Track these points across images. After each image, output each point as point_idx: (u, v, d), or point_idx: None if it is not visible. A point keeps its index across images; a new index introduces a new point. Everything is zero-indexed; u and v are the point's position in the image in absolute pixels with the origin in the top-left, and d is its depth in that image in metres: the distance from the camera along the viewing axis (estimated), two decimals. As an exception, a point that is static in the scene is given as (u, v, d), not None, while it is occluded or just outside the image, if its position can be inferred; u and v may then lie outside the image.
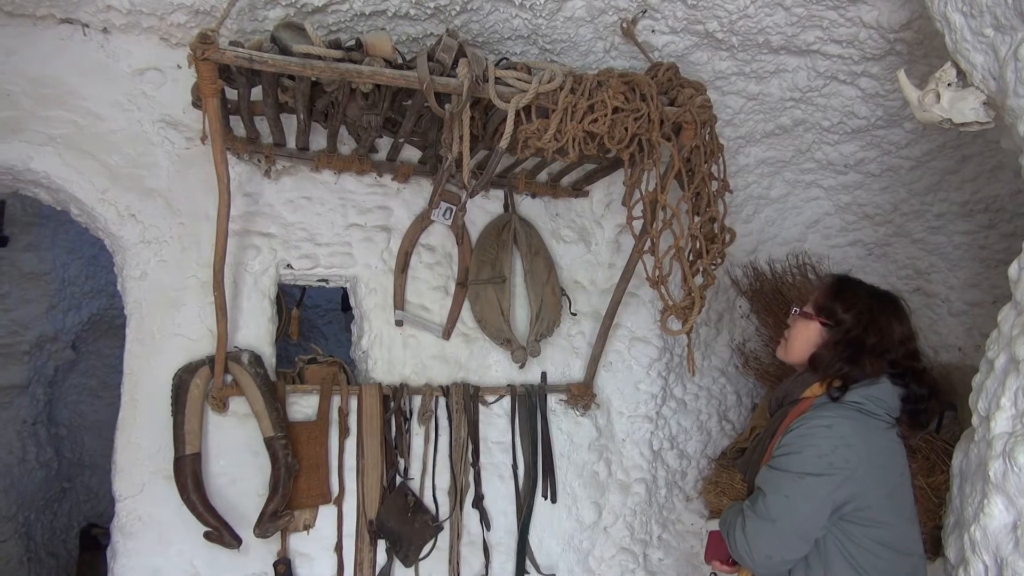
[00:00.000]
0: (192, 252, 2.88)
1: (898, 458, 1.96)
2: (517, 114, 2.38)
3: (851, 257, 3.84)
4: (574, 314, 3.46)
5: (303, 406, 3.01)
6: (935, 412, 2.10)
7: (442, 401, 3.19)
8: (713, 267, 2.62)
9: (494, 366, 3.35)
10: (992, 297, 3.53)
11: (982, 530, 1.80)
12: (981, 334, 3.53)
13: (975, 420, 2.01)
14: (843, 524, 1.85)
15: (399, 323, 3.20)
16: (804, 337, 2.07)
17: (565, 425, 3.43)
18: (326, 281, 3.21)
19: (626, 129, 2.47)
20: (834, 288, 2.08)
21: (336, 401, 3.03)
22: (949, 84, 2.02)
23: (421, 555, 3.04)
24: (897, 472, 1.94)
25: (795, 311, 2.12)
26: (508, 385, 3.33)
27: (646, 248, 2.67)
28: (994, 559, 1.77)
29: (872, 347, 1.96)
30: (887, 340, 1.98)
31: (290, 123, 2.86)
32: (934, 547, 2.76)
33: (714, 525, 2.20)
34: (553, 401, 3.41)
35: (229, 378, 2.83)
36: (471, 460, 3.21)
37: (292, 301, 4.18)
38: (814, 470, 1.82)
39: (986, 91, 1.95)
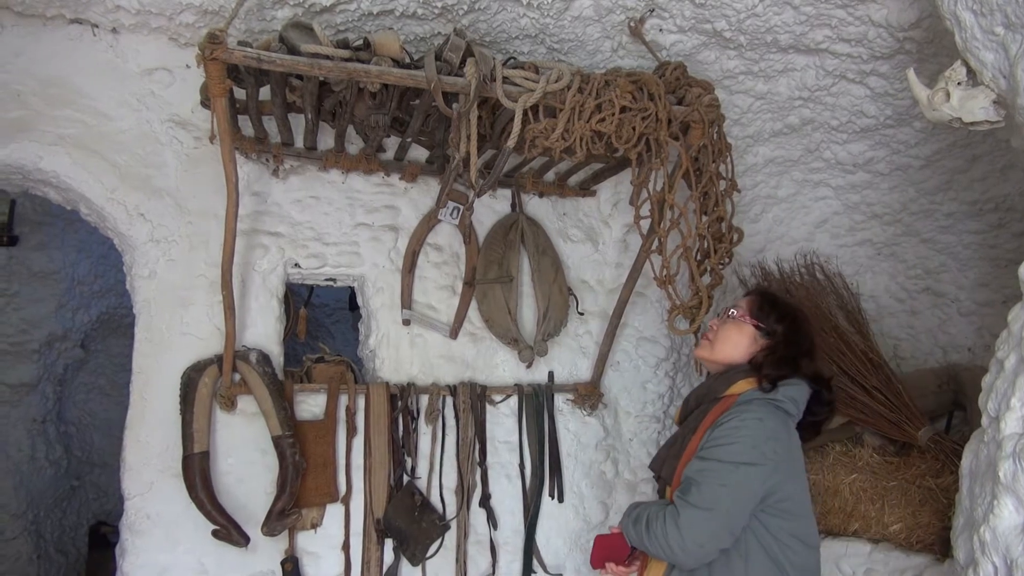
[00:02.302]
0: (200, 251, 2.89)
1: (801, 455, 2.09)
2: (525, 113, 2.38)
3: (859, 257, 3.83)
4: (581, 314, 3.45)
5: (311, 405, 3.02)
6: (829, 421, 2.23)
7: (449, 400, 3.19)
8: (721, 267, 2.62)
9: (501, 365, 3.35)
10: (1002, 297, 3.52)
11: (992, 531, 1.79)
12: (991, 334, 3.51)
13: (985, 421, 2.00)
14: (762, 516, 1.92)
15: (406, 322, 3.20)
16: (736, 339, 2.14)
17: (572, 425, 3.43)
18: (334, 280, 3.21)
19: (634, 128, 2.46)
20: (766, 297, 2.21)
21: (343, 400, 3.04)
22: (959, 83, 2.01)
23: (428, 554, 3.05)
24: (804, 468, 2.08)
25: (732, 313, 2.18)
26: (515, 384, 3.33)
27: (654, 247, 2.67)
28: (1004, 560, 1.76)
29: (806, 352, 2.11)
30: (814, 347, 2.15)
31: (298, 123, 2.87)
32: (943, 548, 2.74)
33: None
34: (560, 401, 3.40)
35: (237, 377, 2.84)
36: (478, 459, 3.21)
37: (300, 300, 4.18)
38: (748, 459, 1.89)
39: (996, 90, 1.94)
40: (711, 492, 1.88)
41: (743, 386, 2.07)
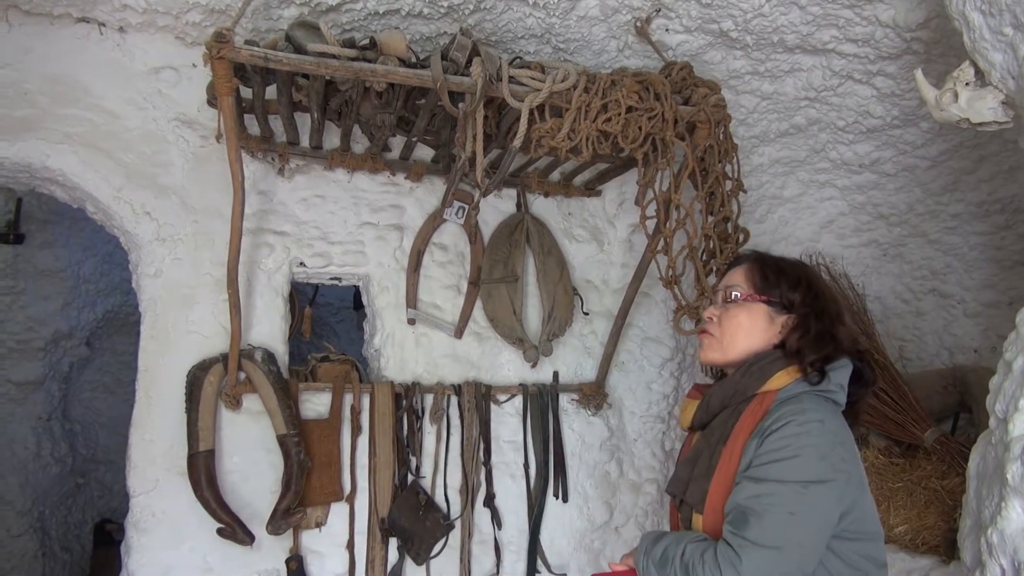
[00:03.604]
0: (206, 250, 2.90)
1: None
2: (531, 113, 2.38)
3: (865, 257, 3.82)
4: (586, 313, 3.45)
5: (315, 404, 3.02)
6: (866, 402, 1.84)
7: (454, 400, 3.19)
8: (726, 267, 2.62)
9: (506, 365, 3.35)
10: (1008, 298, 3.51)
11: (999, 533, 1.78)
12: (997, 335, 3.51)
13: (992, 422, 1.99)
14: (835, 543, 1.55)
15: (411, 322, 3.20)
16: (749, 324, 1.73)
17: (577, 425, 3.42)
18: (339, 279, 3.22)
19: (640, 128, 2.46)
20: (768, 262, 1.81)
21: (348, 399, 3.04)
22: (967, 83, 2.01)
23: (432, 553, 3.05)
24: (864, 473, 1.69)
25: (734, 295, 1.77)
26: (520, 384, 3.33)
27: (659, 248, 2.66)
28: (1011, 562, 1.76)
29: (837, 315, 1.73)
30: (841, 307, 1.78)
31: (304, 122, 2.87)
32: (949, 550, 2.74)
33: (621, 566, 1.77)
34: (565, 400, 3.40)
35: (242, 375, 2.84)
36: (483, 459, 3.21)
37: (305, 299, 4.19)
38: (818, 476, 1.50)
39: (1004, 90, 1.93)
40: (777, 524, 1.47)
41: (784, 378, 1.66)
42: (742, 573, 1.44)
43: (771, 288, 1.74)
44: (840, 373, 1.66)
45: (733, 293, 1.77)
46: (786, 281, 1.74)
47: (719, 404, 1.73)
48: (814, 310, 1.71)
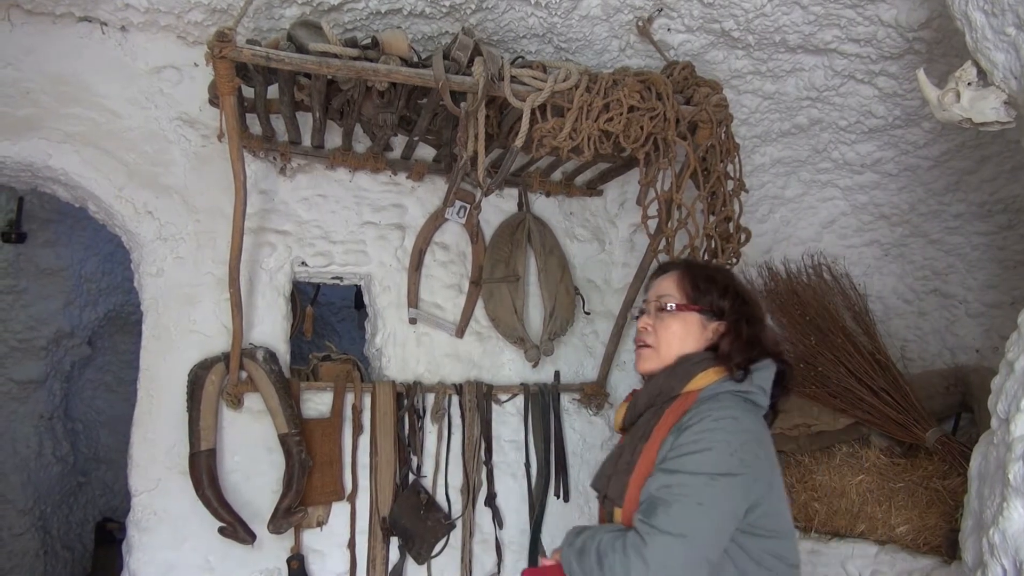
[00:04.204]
0: (208, 249, 2.90)
1: (777, 459, 1.76)
2: (532, 113, 2.38)
3: (867, 257, 3.82)
4: (588, 313, 3.45)
5: (317, 403, 3.02)
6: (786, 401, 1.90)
7: (455, 399, 3.19)
8: (728, 267, 2.62)
9: (507, 365, 3.35)
10: (1010, 299, 3.50)
11: (1001, 533, 1.78)
12: (999, 336, 3.50)
13: (994, 423, 1.99)
14: (740, 537, 1.59)
15: (413, 321, 3.20)
16: (683, 332, 1.78)
17: (578, 424, 3.42)
18: (340, 279, 3.22)
19: (641, 128, 2.46)
20: (697, 273, 1.87)
21: (350, 398, 3.04)
22: (969, 83, 2.00)
23: (433, 553, 3.05)
24: (780, 473, 1.73)
25: (669, 306, 1.81)
26: (521, 384, 3.33)
27: (661, 247, 2.66)
28: (1013, 563, 1.75)
29: (762, 320, 1.82)
30: (763, 312, 1.86)
31: (305, 121, 2.87)
32: (950, 550, 2.73)
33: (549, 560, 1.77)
34: (566, 400, 3.40)
35: (244, 375, 2.85)
36: (484, 458, 3.21)
37: (306, 298, 4.19)
38: (727, 469, 1.55)
39: (1007, 90, 1.93)
40: (684, 513, 1.51)
41: (706, 379, 1.72)
42: (646, 557, 1.48)
43: (702, 296, 1.80)
44: (763, 375, 1.73)
45: (667, 304, 1.82)
46: (716, 289, 1.81)
47: (645, 404, 1.80)
48: (743, 316, 1.79)
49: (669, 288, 1.83)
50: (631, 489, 1.66)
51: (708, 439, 1.57)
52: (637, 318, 1.90)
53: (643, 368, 1.85)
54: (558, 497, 3.32)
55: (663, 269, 1.93)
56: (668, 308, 1.81)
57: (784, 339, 3.69)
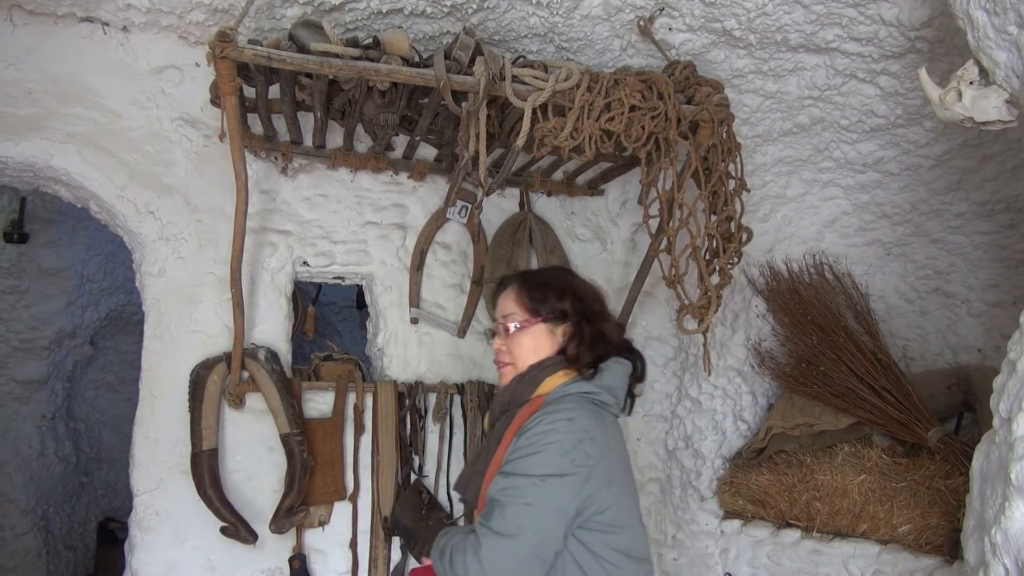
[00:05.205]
0: (209, 249, 2.90)
1: (626, 453, 1.83)
2: (534, 112, 2.38)
3: (869, 257, 3.81)
4: (589, 313, 3.44)
5: (319, 403, 3.02)
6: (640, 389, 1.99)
7: (457, 399, 3.20)
8: (730, 266, 2.62)
9: (509, 364, 3.34)
10: (1012, 298, 3.49)
11: (1003, 533, 1.78)
12: (1001, 335, 3.49)
13: (996, 422, 1.98)
14: (580, 533, 1.65)
15: (414, 321, 3.20)
16: (535, 344, 1.85)
17: (579, 424, 3.42)
18: (342, 279, 3.22)
19: (643, 127, 2.46)
20: (532, 284, 1.92)
21: (351, 398, 3.04)
22: (971, 82, 2.00)
23: (435, 552, 3.05)
24: (627, 468, 1.81)
25: (511, 328, 1.87)
26: (523, 383, 3.32)
27: (662, 247, 2.66)
28: (1015, 562, 1.75)
29: (601, 314, 1.89)
30: (603, 303, 1.92)
31: (307, 121, 2.87)
32: (952, 549, 2.73)
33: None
34: (568, 400, 3.40)
35: (246, 374, 2.85)
36: (485, 458, 3.21)
37: (308, 298, 4.19)
38: (556, 470, 1.61)
39: (1009, 89, 1.92)
40: (515, 514, 1.59)
41: (555, 381, 1.80)
42: (480, 557, 1.57)
43: (541, 306, 1.86)
44: (612, 373, 1.80)
45: (511, 325, 1.88)
46: (553, 294, 1.87)
47: (500, 410, 1.88)
48: (585, 315, 1.85)
49: (510, 306, 1.90)
50: (483, 491, 1.74)
51: (540, 442, 1.65)
52: (491, 341, 1.98)
53: (504, 382, 1.91)
54: (560, 497, 3.31)
55: (502, 285, 1.98)
56: (512, 329, 1.87)
57: (785, 339, 3.69)
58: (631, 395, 1.91)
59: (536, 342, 1.85)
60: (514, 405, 1.83)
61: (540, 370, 1.82)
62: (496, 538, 1.59)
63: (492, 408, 1.91)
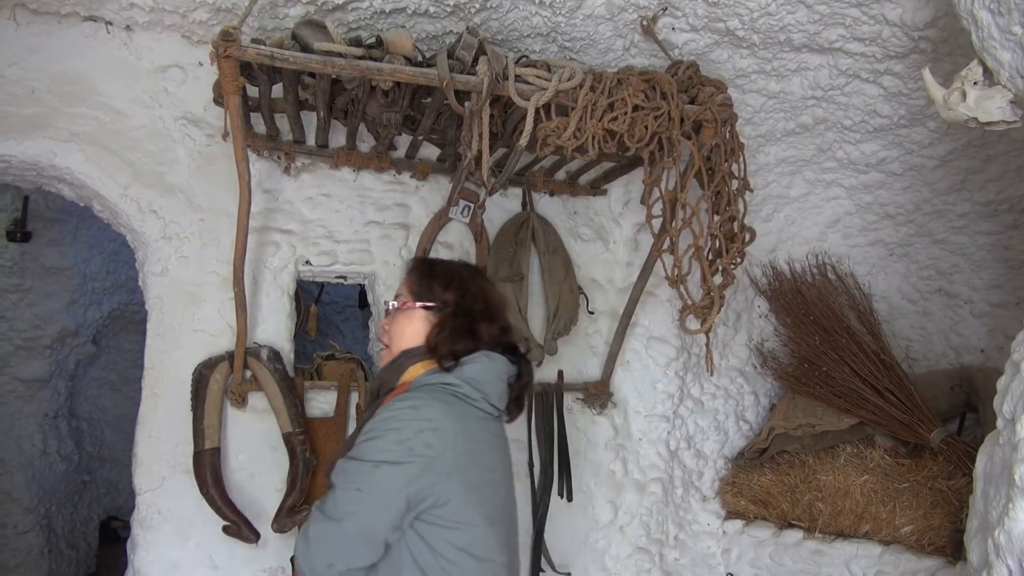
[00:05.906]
0: (212, 248, 2.90)
1: (494, 453, 1.80)
2: (537, 112, 2.37)
3: (872, 257, 3.81)
4: (591, 313, 3.44)
5: (321, 402, 3.02)
6: (528, 395, 1.98)
7: (459, 398, 3.19)
8: (733, 266, 2.61)
9: (511, 364, 3.34)
10: (1016, 298, 3.49)
11: (1006, 534, 1.78)
12: (1004, 335, 3.49)
13: (1000, 423, 1.98)
14: (418, 525, 1.63)
15: (417, 320, 3.20)
16: (411, 330, 1.84)
17: (581, 424, 3.42)
18: (344, 278, 3.22)
19: (646, 127, 2.46)
20: (423, 270, 1.94)
21: (354, 397, 3.04)
22: (975, 82, 2.00)
23: (437, 552, 3.04)
24: (487, 466, 1.76)
25: (391, 305, 1.90)
26: (525, 383, 3.32)
27: (665, 247, 2.66)
28: (1018, 563, 1.75)
29: (482, 313, 1.85)
30: (492, 306, 1.89)
31: (310, 120, 2.87)
32: (955, 550, 2.73)
33: None
34: (570, 400, 3.40)
35: (248, 373, 2.85)
36: (487, 458, 3.21)
37: (310, 297, 4.20)
38: (391, 457, 1.60)
39: (1013, 89, 1.92)
40: (344, 499, 1.60)
41: (417, 370, 1.80)
42: (308, 538, 1.61)
43: (425, 292, 1.86)
44: (474, 367, 1.77)
45: (392, 304, 1.91)
46: (438, 284, 1.87)
47: (370, 397, 1.92)
48: (460, 309, 1.83)
49: (403, 288, 1.91)
50: None
51: (381, 428, 1.64)
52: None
53: (383, 364, 1.92)
54: (561, 497, 3.31)
55: (407, 269, 2.00)
56: (391, 307, 1.90)
57: (787, 339, 3.69)
58: (517, 403, 1.88)
59: (412, 327, 1.85)
60: (383, 391, 1.83)
61: (408, 358, 1.82)
62: (324, 521, 1.61)
63: (368, 394, 1.90)
